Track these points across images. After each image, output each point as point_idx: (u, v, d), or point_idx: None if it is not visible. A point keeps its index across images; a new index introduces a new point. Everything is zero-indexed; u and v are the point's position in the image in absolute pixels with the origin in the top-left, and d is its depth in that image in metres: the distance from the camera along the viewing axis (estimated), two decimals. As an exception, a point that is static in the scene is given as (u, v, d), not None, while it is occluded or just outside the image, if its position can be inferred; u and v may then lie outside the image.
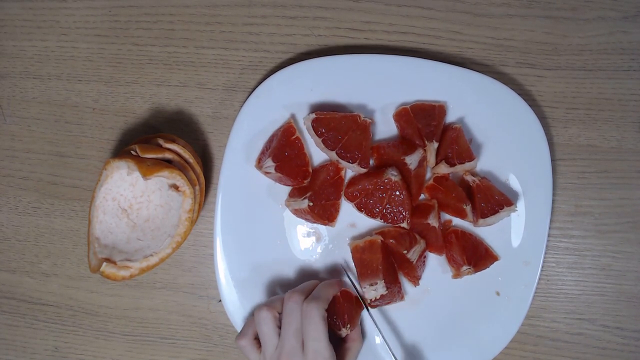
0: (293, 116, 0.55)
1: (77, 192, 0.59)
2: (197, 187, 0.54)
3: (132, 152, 0.52)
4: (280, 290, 0.56)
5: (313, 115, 0.53)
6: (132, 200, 0.54)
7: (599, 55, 0.56)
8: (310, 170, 0.55)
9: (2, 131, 0.60)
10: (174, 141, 0.54)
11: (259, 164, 0.54)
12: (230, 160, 0.55)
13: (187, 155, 0.53)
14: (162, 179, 0.52)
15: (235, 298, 0.55)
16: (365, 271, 0.53)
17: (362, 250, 0.53)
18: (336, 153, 0.52)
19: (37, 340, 0.59)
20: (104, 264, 0.52)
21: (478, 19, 0.57)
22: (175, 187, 0.53)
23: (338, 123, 0.53)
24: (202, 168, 0.55)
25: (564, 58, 0.57)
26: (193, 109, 0.59)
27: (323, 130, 0.52)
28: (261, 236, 0.56)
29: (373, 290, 0.52)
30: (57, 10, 0.59)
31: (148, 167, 0.50)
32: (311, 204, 0.53)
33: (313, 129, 0.52)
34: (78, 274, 0.59)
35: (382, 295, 0.52)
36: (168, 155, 0.53)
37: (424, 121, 0.54)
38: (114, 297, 0.59)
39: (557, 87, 0.57)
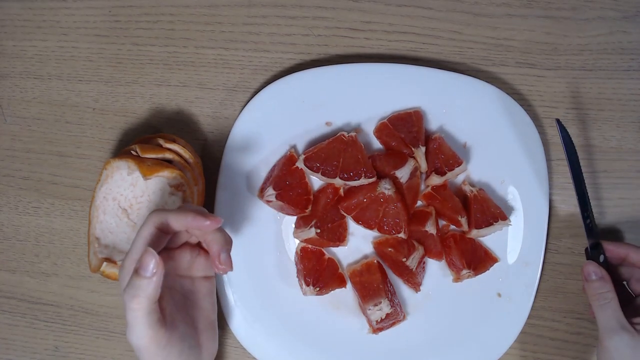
0: (294, 147, 0.56)
1: (77, 192, 0.59)
2: (197, 187, 0.54)
3: (133, 152, 0.52)
4: (278, 287, 0.56)
5: (302, 156, 0.53)
6: (133, 200, 0.54)
7: (599, 55, 0.56)
8: (312, 198, 0.55)
9: (2, 131, 0.60)
10: (174, 141, 0.54)
11: (262, 193, 0.54)
12: (230, 161, 0.55)
13: (187, 155, 0.53)
14: (162, 179, 0.52)
15: (232, 298, 0.55)
16: (367, 293, 0.53)
17: (360, 274, 0.54)
18: (339, 178, 0.52)
19: (38, 339, 0.59)
20: (104, 263, 0.52)
21: (478, 19, 0.57)
22: (175, 187, 0.53)
23: (328, 150, 0.53)
24: (202, 168, 0.55)
25: (564, 58, 0.57)
26: (193, 109, 0.59)
27: (318, 165, 0.53)
28: (260, 236, 0.56)
29: (378, 311, 0.52)
30: (57, 10, 0.59)
31: (148, 167, 0.50)
32: (318, 230, 0.53)
33: (308, 168, 0.53)
34: (78, 273, 0.59)
35: (387, 315, 0.52)
36: (168, 155, 0.53)
37: (404, 129, 0.54)
38: (115, 297, 0.59)
39: (557, 87, 0.57)
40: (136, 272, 0.41)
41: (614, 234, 0.56)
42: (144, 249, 0.42)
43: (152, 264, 0.41)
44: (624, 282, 0.52)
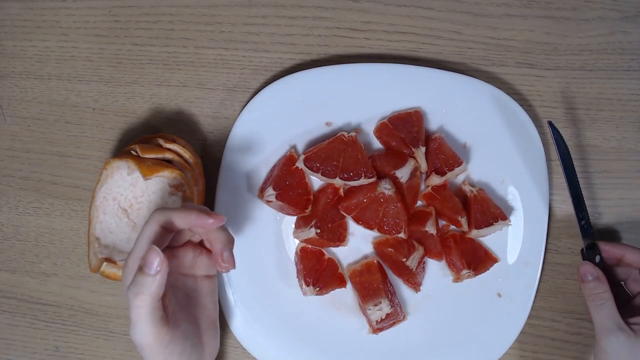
0: (294, 147, 0.56)
1: (77, 192, 0.59)
2: (197, 187, 0.54)
3: (132, 152, 0.52)
4: (278, 287, 0.56)
5: (302, 156, 0.53)
6: (133, 200, 0.54)
7: (599, 55, 0.56)
8: (312, 198, 0.54)
9: (2, 131, 0.60)
10: (174, 141, 0.54)
11: (262, 193, 0.54)
12: (230, 161, 0.55)
13: (187, 155, 0.53)
14: (162, 179, 0.52)
15: (232, 298, 0.55)
16: (367, 293, 0.53)
17: (360, 274, 0.54)
18: (339, 178, 0.52)
19: (38, 339, 0.59)
20: (104, 263, 0.52)
21: (478, 19, 0.57)
22: (175, 187, 0.53)
23: (328, 150, 0.53)
24: (202, 168, 0.55)
25: (564, 58, 0.57)
26: (193, 109, 0.59)
27: (318, 165, 0.53)
28: (260, 236, 0.56)
29: (378, 311, 0.52)
30: (57, 10, 0.59)
31: (148, 167, 0.50)
32: (318, 230, 0.53)
33: (308, 168, 0.53)
34: (78, 273, 0.59)
35: (387, 315, 0.52)
36: (168, 155, 0.53)
37: (404, 130, 0.54)
38: (115, 297, 0.59)
39: (557, 87, 0.57)
40: (140, 269, 0.41)
41: (614, 234, 0.56)
42: (148, 247, 0.42)
43: (157, 262, 0.41)
44: (622, 283, 0.52)
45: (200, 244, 0.49)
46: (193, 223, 0.44)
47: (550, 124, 0.50)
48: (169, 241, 0.46)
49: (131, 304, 0.42)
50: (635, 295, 0.51)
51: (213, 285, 0.50)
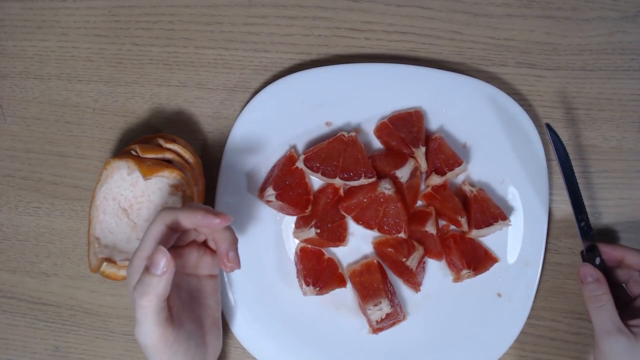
0: (294, 147, 0.56)
1: (77, 192, 0.59)
2: (197, 187, 0.54)
3: (133, 152, 0.52)
4: (278, 287, 0.56)
5: (302, 156, 0.53)
6: (133, 200, 0.54)
7: (599, 55, 0.56)
8: (312, 198, 0.54)
9: (2, 131, 0.60)
10: (174, 141, 0.54)
11: (262, 193, 0.54)
12: (230, 161, 0.55)
13: (187, 155, 0.53)
14: (162, 179, 0.52)
15: (232, 298, 0.55)
16: (367, 293, 0.53)
17: (360, 274, 0.54)
18: (339, 178, 0.52)
19: (38, 339, 0.59)
20: (105, 263, 0.52)
21: (478, 19, 0.57)
22: (175, 187, 0.53)
23: (328, 150, 0.53)
24: (202, 168, 0.55)
25: (564, 58, 0.57)
26: (193, 109, 0.59)
27: (318, 165, 0.53)
28: (260, 236, 0.56)
29: (378, 311, 0.52)
30: (57, 10, 0.59)
31: (148, 167, 0.50)
32: (318, 230, 0.53)
33: (308, 168, 0.53)
34: (78, 273, 0.59)
35: (387, 315, 0.52)
36: (168, 155, 0.53)
37: (405, 129, 0.54)
38: (115, 297, 0.59)
39: (557, 87, 0.57)
40: (147, 269, 0.41)
41: (613, 234, 0.56)
42: (154, 246, 0.42)
43: (163, 262, 0.41)
44: (623, 285, 0.52)
45: (204, 244, 0.49)
46: (199, 223, 0.44)
47: (548, 126, 0.50)
48: (174, 241, 0.46)
49: (137, 304, 0.41)
50: (636, 298, 0.51)
51: (216, 285, 0.50)
